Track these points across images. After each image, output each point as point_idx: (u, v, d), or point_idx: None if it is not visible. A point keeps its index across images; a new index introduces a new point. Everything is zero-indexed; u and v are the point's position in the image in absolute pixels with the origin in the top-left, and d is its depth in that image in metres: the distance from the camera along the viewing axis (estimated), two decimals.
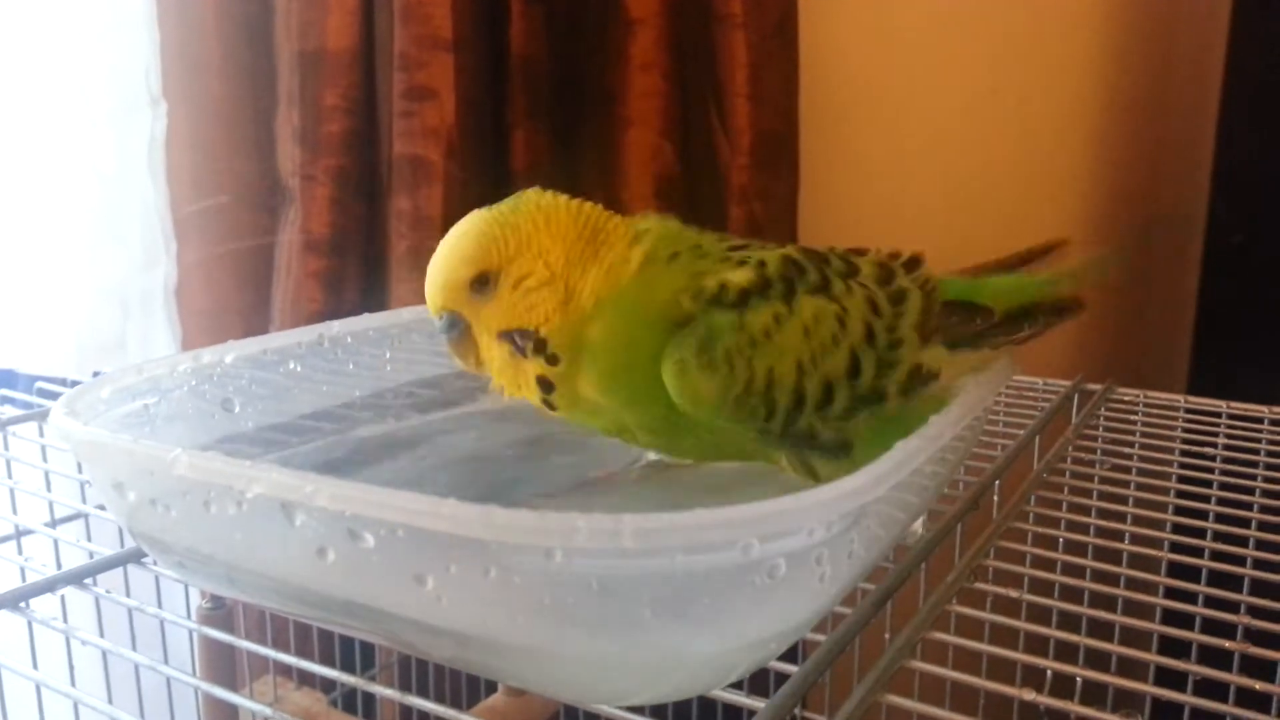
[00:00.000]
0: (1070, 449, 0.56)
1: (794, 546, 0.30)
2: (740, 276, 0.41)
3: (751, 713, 0.34)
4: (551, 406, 0.42)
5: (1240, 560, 0.45)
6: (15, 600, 0.42)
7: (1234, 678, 0.37)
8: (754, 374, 0.39)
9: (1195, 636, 0.40)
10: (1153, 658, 0.39)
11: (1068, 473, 0.53)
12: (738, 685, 0.35)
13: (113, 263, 0.83)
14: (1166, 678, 0.38)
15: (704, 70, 0.87)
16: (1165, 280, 0.96)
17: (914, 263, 0.46)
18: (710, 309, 0.40)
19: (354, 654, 0.72)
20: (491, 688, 0.69)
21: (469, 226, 0.42)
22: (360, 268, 0.84)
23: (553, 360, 0.41)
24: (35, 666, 0.43)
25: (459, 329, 0.42)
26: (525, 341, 0.41)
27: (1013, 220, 0.98)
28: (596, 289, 0.41)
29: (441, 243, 0.42)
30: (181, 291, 0.84)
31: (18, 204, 0.79)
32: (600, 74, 0.86)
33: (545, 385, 0.41)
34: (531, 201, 0.42)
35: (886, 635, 0.39)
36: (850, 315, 0.42)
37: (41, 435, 0.61)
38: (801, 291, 0.41)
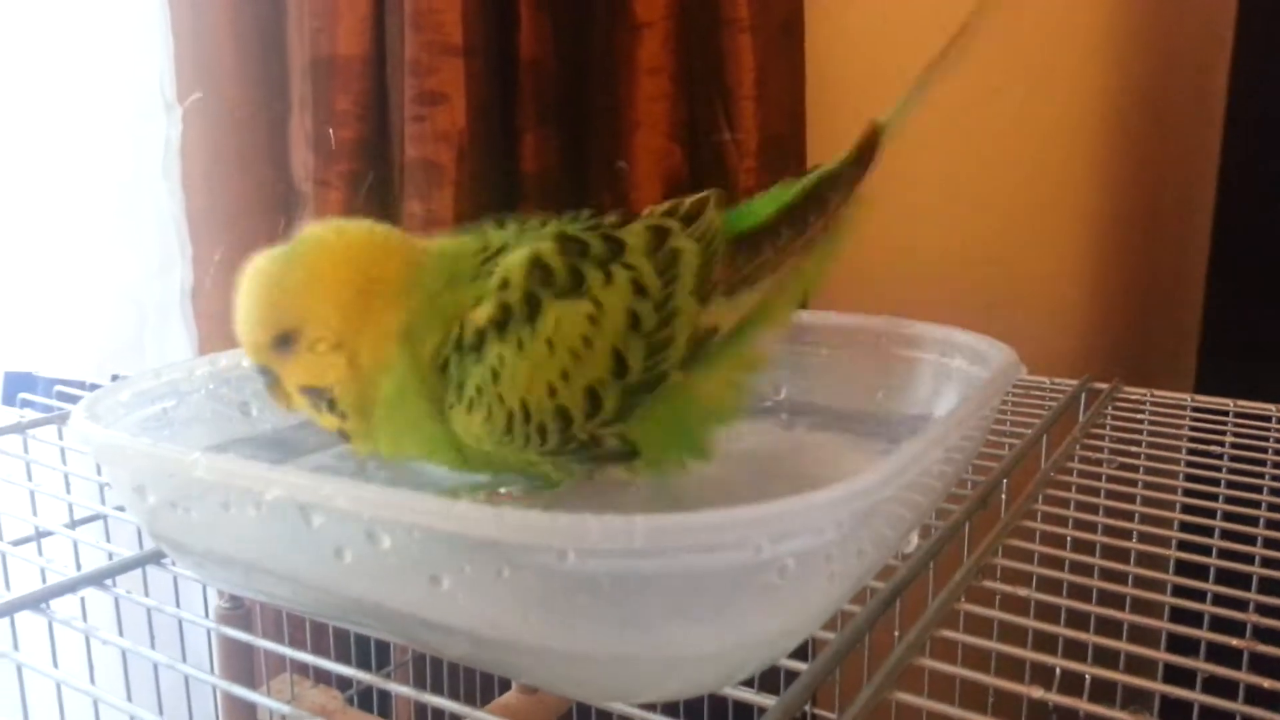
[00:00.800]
0: (1078, 448, 0.57)
1: (803, 546, 0.30)
2: (479, 315, 0.40)
3: (762, 710, 0.34)
4: (357, 453, 0.44)
5: (1249, 559, 0.45)
6: (38, 601, 0.43)
7: (1243, 675, 0.37)
8: (509, 406, 0.39)
9: (1204, 634, 0.40)
10: (1161, 655, 0.39)
11: (1075, 471, 0.54)
12: (748, 683, 0.35)
13: (129, 267, 0.84)
14: (1175, 675, 0.39)
15: (711, 73, 0.87)
16: (1172, 279, 0.96)
17: (694, 214, 0.44)
18: (459, 353, 0.40)
19: (369, 653, 0.73)
20: (505, 686, 0.69)
21: (261, 285, 0.42)
22: None
23: (343, 417, 0.42)
24: (56, 666, 0.44)
25: (270, 378, 0.44)
26: (320, 400, 0.42)
27: (1017, 219, 0.98)
28: (373, 353, 0.41)
29: (240, 291, 0.42)
30: (197, 295, 0.85)
31: (36, 209, 0.80)
32: (608, 78, 0.86)
33: (344, 437, 0.43)
34: (309, 254, 0.42)
35: (896, 633, 0.39)
36: (605, 310, 0.40)
37: (60, 438, 0.62)
38: (546, 302, 0.40)
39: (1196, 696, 0.36)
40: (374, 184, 0.84)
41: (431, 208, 0.81)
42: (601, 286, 0.41)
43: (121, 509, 0.52)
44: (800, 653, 0.36)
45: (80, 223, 0.82)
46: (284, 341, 0.41)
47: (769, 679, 0.38)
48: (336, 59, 0.82)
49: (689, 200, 0.45)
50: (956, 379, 0.50)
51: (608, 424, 0.41)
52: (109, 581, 0.46)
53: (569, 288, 0.40)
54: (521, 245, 0.42)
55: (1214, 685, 0.37)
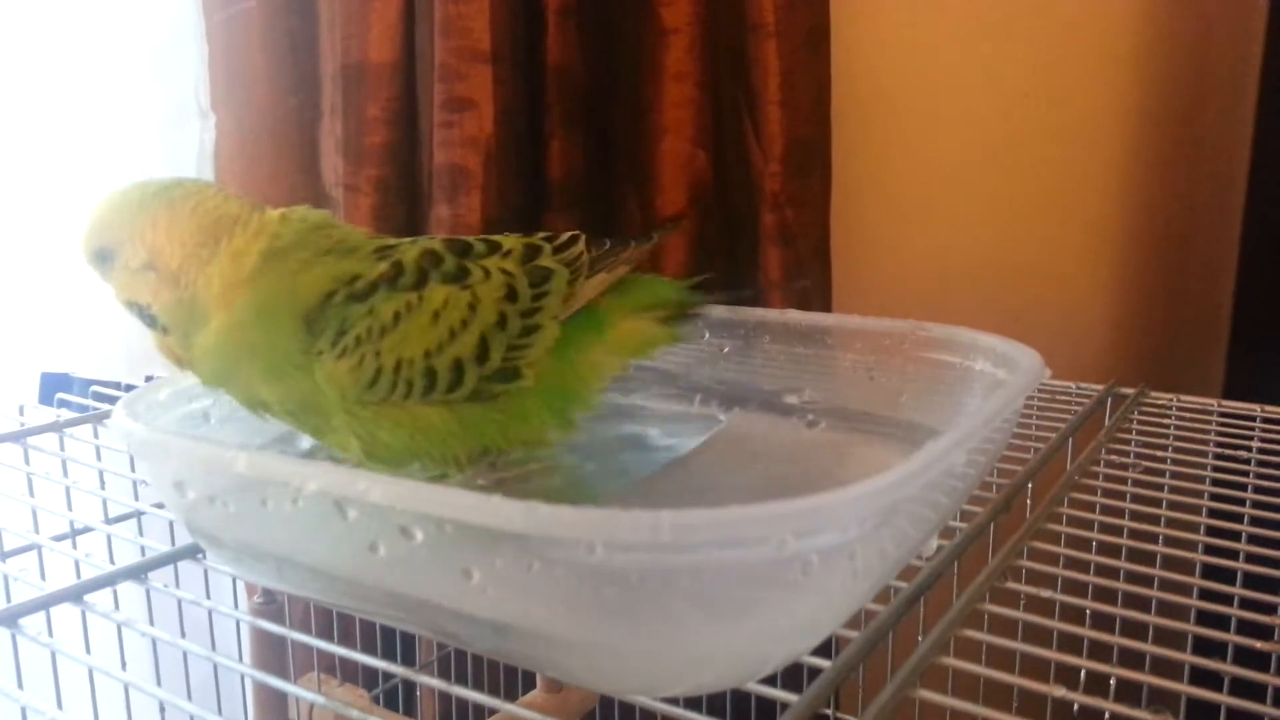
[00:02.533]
0: (1103, 452, 0.57)
1: (828, 542, 0.31)
2: (374, 271, 0.44)
3: (784, 706, 0.35)
4: (181, 366, 0.46)
5: (1276, 563, 0.45)
6: (78, 594, 0.44)
7: (1270, 678, 0.37)
8: (383, 358, 0.43)
9: (1230, 637, 0.40)
10: (1187, 658, 0.39)
11: (1101, 475, 0.54)
12: (771, 679, 0.35)
13: None
14: (1201, 677, 0.39)
15: (737, 79, 0.88)
16: (1200, 284, 0.95)
17: (567, 244, 0.49)
18: (346, 302, 0.43)
19: (395, 653, 0.74)
20: (530, 684, 0.70)
21: (103, 198, 0.46)
22: None
23: (163, 331, 0.45)
24: (88, 653, 0.45)
25: (103, 282, 0.47)
26: (141, 314, 0.46)
27: (1044, 223, 0.98)
28: (215, 281, 0.44)
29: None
30: None
31: (72, 213, 0.82)
32: (635, 83, 0.87)
33: (168, 353, 0.46)
34: (171, 191, 0.45)
35: (920, 634, 0.40)
36: (482, 303, 0.45)
37: (96, 436, 0.63)
38: (434, 280, 0.44)
39: (1222, 698, 0.36)
40: (402, 188, 0.86)
41: (459, 212, 0.82)
42: (481, 282, 0.45)
43: (159, 505, 0.53)
44: (824, 650, 0.36)
45: None
46: (103, 256, 0.45)
47: (792, 676, 0.38)
48: (367, 66, 0.83)
49: (564, 235, 0.49)
50: (980, 382, 0.50)
51: (459, 399, 0.45)
52: (144, 575, 0.47)
53: (454, 276, 0.45)
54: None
55: (1240, 688, 0.37)
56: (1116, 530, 0.48)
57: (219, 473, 0.37)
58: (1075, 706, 0.36)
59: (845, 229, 0.93)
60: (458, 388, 0.44)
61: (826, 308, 0.90)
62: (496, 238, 0.48)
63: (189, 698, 0.59)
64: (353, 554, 0.34)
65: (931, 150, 0.99)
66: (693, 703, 0.36)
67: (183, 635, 0.54)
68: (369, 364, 0.43)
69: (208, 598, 0.50)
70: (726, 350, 0.59)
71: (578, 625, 0.32)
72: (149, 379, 0.65)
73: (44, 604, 0.43)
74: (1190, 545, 0.47)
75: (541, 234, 0.49)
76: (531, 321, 0.46)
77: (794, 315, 0.58)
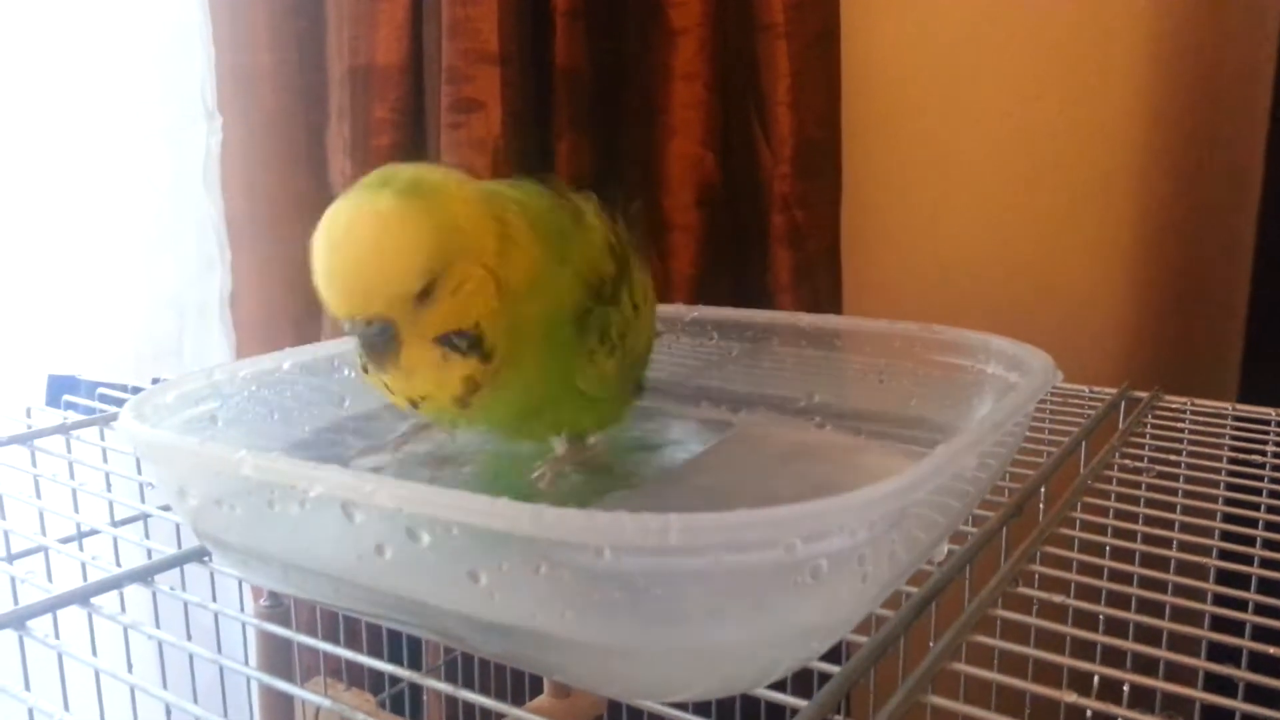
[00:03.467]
0: (1117, 456, 0.56)
1: (836, 546, 0.30)
2: (608, 269, 0.45)
3: (794, 712, 0.34)
4: (464, 405, 0.41)
5: None
6: (85, 596, 0.44)
7: None
8: (633, 351, 0.46)
9: (1245, 643, 0.40)
10: (1202, 664, 0.39)
11: (1114, 479, 0.53)
12: (781, 685, 0.35)
13: (169, 272, 0.86)
14: (1216, 683, 0.38)
15: (746, 80, 0.88)
16: (1215, 287, 0.95)
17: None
18: (597, 302, 0.43)
19: (402, 658, 0.73)
20: (536, 690, 0.70)
21: (400, 223, 0.37)
22: None
23: (487, 357, 0.40)
24: (95, 655, 0.45)
25: (388, 335, 0.38)
26: (462, 341, 0.39)
27: (1058, 225, 0.98)
28: (518, 279, 0.40)
29: (355, 232, 0.38)
30: (236, 300, 0.86)
31: (78, 215, 0.82)
32: (643, 84, 0.87)
33: (471, 386, 0.40)
34: (448, 186, 0.39)
35: (931, 640, 0.39)
36: (647, 290, 0.49)
37: (103, 438, 0.63)
38: (633, 269, 0.47)
39: (1237, 705, 0.36)
40: None
41: None
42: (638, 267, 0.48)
43: (165, 508, 0.53)
44: (834, 656, 0.36)
45: (122, 228, 0.84)
46: (427, 290, 0.38)
47: (802, 681, 0.38)
48: (374, 67, 0.83)
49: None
50: (992, 385, 0.49)
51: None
52: (151, 578, 0.46)
53: (632, 264, 0.47)
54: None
55: (1255, 694, 0.37)
56: (1130, 535, 0.48)
57: (225, 475, 0.36)
58: (1088, 712, 0.35)
59: (855, 231, 0.92)
60: (643, 370, 0.49)
61: (837, 310, 0.90)
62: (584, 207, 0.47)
63: (195, 700, 0.59)
64: (359, 557, 0.34)
65: (942, 152, 0.98)
66: (702, 708, 0.35)
67: (189, 638, 0.54)
68: (627, 358, 0.45)
69: (214, 601, 0.50)
70: (735, 353, 0.59)
71: (585, 629, 0.32)
72: (156, 381, 0.65)
73: (51, 606, 0.43)
74: (1204, 550, 0.47)
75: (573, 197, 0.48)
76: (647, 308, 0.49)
77: (803, 318, 0.58)
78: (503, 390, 0.40)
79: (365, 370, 0.41)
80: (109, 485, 0.58)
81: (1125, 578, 0.44)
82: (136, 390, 0.71)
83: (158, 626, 0.51)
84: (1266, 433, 0.60)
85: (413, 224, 0.37)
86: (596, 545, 0.29)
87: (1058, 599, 0.42)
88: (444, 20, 0.81)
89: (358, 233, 0.37)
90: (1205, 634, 0.41)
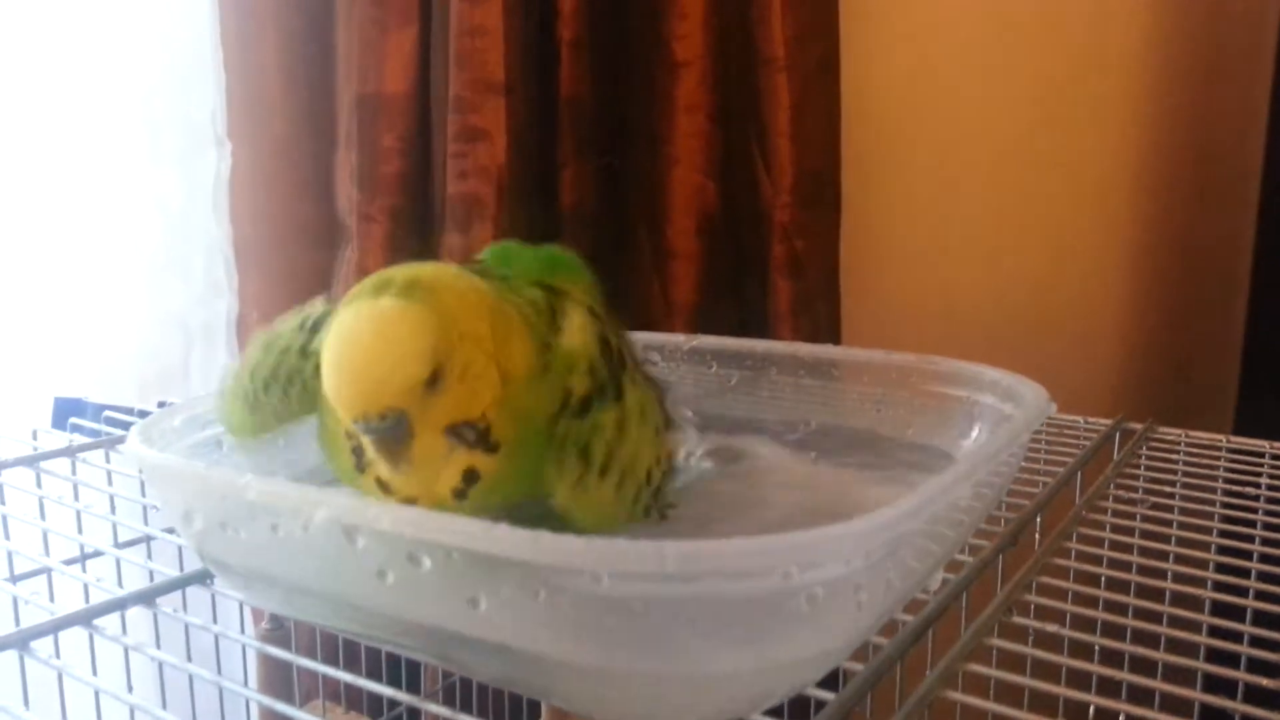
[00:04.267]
0: (1111, 487, 0.57)
1: (832, 575, 0.31)
2: (578, 385, 0.40)
3: None
4: (461, 498, 0.39)
5: None
6: (88, 617, 0.44)
7: None
8: (637, 473, 0.41)
9: (1241, 675, 0.40)
10: (1197, 695, 0.39)
11: (1109, 510, 0.53)
12: (777, 711, 0.35)
13: (177, 295, 0.87)
14: (1212, 716, 0.38)
15: (747, 111, 0.89)
16: (1211, 319, 0.95)
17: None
18: (567, 419, 0.39)
19: (401, 681, 0.73)
20: (535, 713, 0.70)
21: (402, 317, 0.37)
22: None
23: (493, 449, 0.38)
24: (95, 674, 0.45)
25: (402, 427, 0.37)
26: (469, 432, 0.38)
27: (1056, 258, 0.98)
28: (518, 367, 0.39)
29: (360, 334, 0.37)
30: (242, 324, 0.87)
31: (87, 238, 0.83)
32: (646, 115, 0.88)
33: (470, 478, 0.38)
34: (443, 282, 0.39)
35: (927, 668, 0.40)
36: (648, 401, 0.43)
37: (108, 461, 0.63)
38: (626, 383, 0.41)
39: None
40: (415, 217, 0.86)
41: (472, 241, 0.83)
42: (632, 367, 0.43)
43: (169, 530, 0.54)
44: (830, 683, 0.36)
45: (130, 252, 0.85)
46: (435, 378, 0.37)
47: (799, 708, 0.38)
48: (382, 96, 0.85)
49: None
50: (987, 416, 0.50)
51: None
52: (153, 600, 0.47)
53: (622, 369, 0.42)
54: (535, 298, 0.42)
55: None
56: (1125, 566, 0.48)
57: (230, 499, 0.37)
58: None
59: (854, 261, 0.93)
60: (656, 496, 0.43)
61: (835, 339, 0.90)
62: (573, 308, 0.43)
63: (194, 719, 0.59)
64: (361, 581, 0.35)
65: (940, 183, 0.99)
66: None
67: (190, 660, 0.54)
68: (629, 485, 0.40)
69: (215, 623, 0.50)
70: (734, 381, 0.60)
71: (583, 654, 0.32)
72: (162, 404, 0.65)
73: (54, 627, 0.44)
74: (1199, 582, 0.47)
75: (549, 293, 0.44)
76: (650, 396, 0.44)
77: (801, 347, 0.58)
78: (501, 484, 0.39)
79: (361, 471, 0.39)
80: (113, 508, 0.59)
81: (1120, 608, 0.45)
82: (143, 414, 0.71)
83: (159, 647, 0.51)
84: (1261, 465, 0.60)
85: (416, 316, 0.37)
86: (594, 571, 0.29)
87: (1052, 628, 0.42)
88: (451, 50, 0.82)
89: (363, 333, 0.37)
90: (1200, 665, 0.41)
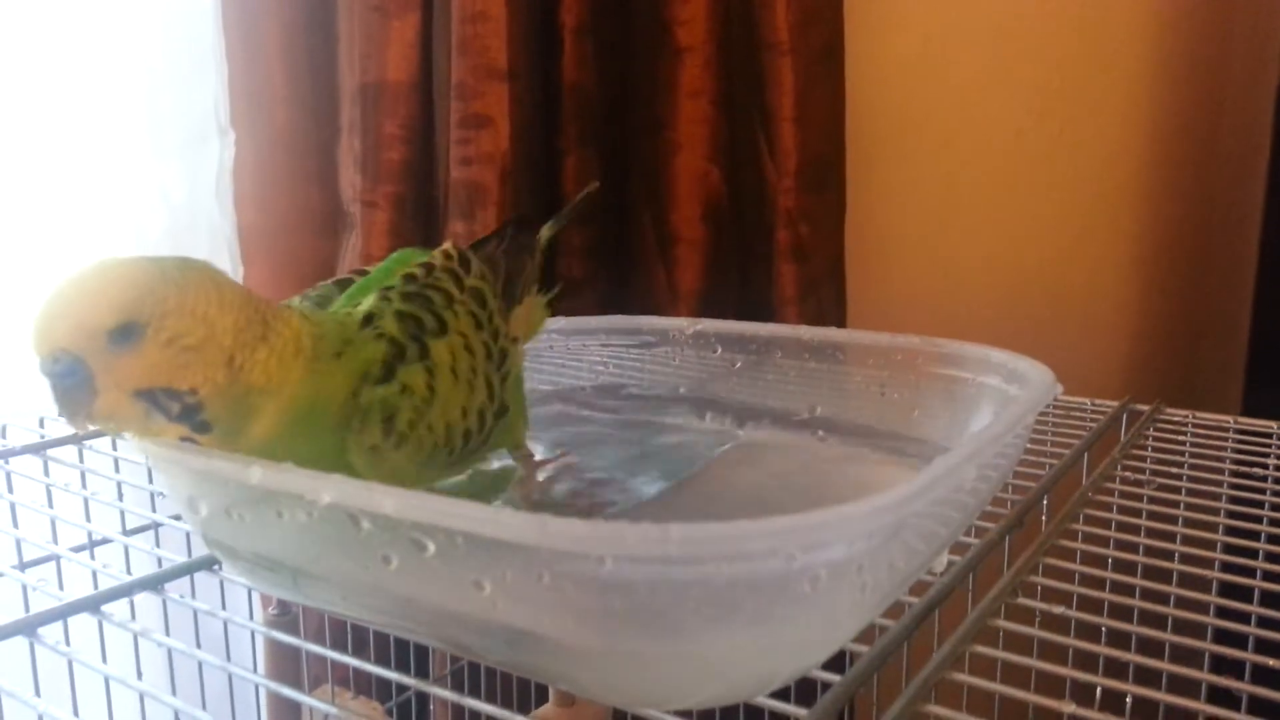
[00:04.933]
0: (1118, 468, 0.56)
1: (835, 556, 0.31)
2: (377, 351, 0.42)
3: None
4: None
5: None
6: (96, 604, 0.44)
7: None
8: (435, 431, 0.42)
9: (1248, 656, 0.40)
10: (1205, 676, 0.39)
11: (1116, 491, 0.53)
12: (783, 694, 0.35)
13: None
14: (1219, 697, 0.38)
15: (751, 96, 0.88)
16: (1218, 302, 0.95)
17: (464, 259, 0.48)
18: (372, 388, 0.41)
19: (409, 666, 0.74)
20: (542, 697, 0.70)
21: (116, 268, 0.37)
22: None
23: (201, 428, 0.38)
24: (105, 662, 0.45)
25: (79, 377, 0.37)
26: (171, 403, 0.37)
27: (1061, 240, 0.98)
28: (271, 367, 0.38)
29: (72, 276, 0.37)
30: None
31: (93, 228, 0.83)
32: (649, 101, 0.88)
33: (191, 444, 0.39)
34: (200, 268, 0.39)
35: (933, 650, 0.40)
36: (472, 342, 0.45)
37: (115, 448, 0.64)
38: (430, 341, 0.43)
39: (1240, 718, 0.36)
40: (419, 204, 0.86)
41: (475, 228, 0.83)
42: (457, 324, 0.45)
43: (176, 517, 0.54)
44: (836, 665, 0.36)
45: (136, 242, 0.85)
46: (127, 333, 0.36)
47: (804, 690, 0.38)
48: (385, 84, 0.84)
49: (446, 248, 0.48)
50: (992, 398, 0.50)
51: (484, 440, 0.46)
52: (161, 586, 0.47)
53: (438, 331, 0.44)
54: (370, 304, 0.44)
55: (1258, 706, 0.37)
56: (1132, 547, 0.48)
57: (234, 485, 0.37)
58: None
59: (859, 245, 0.93)
60: (481, 434, 0.45)
61: (841, 324, 0.90)
62: (415, 266, 0.46)
63: (204, 708, 0.59)
64: (366, 565, 0.35)
65: (946, 166, 0.99)
66: (705, 715, 0.36)
67: (198, 646, 0.54)
68: (426, 441, 0.42)
69: (223, 609, 0.50)
70: (739, 365, 0.60)
71: (588, 637, 0.32)
72: None
73: (62, 614, 0.44)
74: (1207, 563, 0.47)
75: (445, 255, 0.47)
76: (500, 346, 0.47)
77: (805, 331, 0.58)
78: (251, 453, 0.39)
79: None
80: (120, 495, 0.59)
81: (1127, 590, 0.45)
82: None
83: (168, 634, 0.51)
84: (1268, 446, 0.60)
85: (124, 271, 0.37)
86: (598, 554, 0.29)
87: (1059, 610, 0.42)
88: (454, 37, 0.82)
89: (70, 277, 0.37)
90: (1208, 646, 0.41)
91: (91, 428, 0.39)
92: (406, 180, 0.85)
